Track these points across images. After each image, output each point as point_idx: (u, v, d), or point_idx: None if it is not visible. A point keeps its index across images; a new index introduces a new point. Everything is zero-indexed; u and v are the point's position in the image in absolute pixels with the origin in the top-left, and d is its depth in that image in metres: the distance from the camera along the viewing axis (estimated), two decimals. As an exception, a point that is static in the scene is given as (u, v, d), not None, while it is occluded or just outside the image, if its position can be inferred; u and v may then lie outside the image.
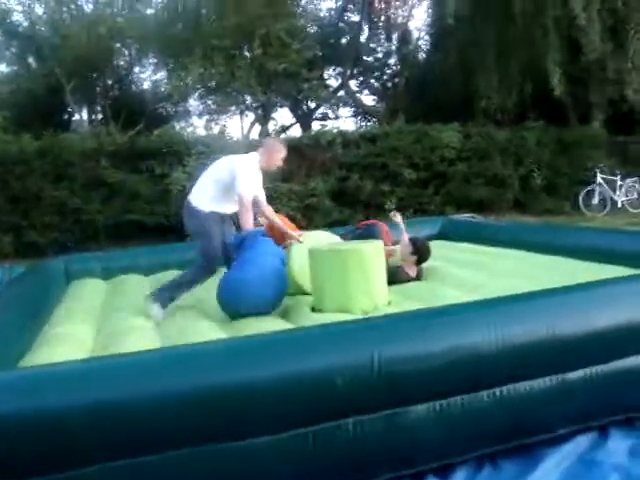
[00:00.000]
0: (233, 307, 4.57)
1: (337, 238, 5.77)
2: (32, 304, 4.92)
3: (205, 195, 5.00)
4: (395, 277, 5.20)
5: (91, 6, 16.63)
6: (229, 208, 5.11)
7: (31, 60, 17.23)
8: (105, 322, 4.79)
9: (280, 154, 5.26)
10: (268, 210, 5.29)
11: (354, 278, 4.36)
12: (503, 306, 3.19)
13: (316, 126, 19.24)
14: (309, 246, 4.78)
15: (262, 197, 5.22)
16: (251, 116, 18.18)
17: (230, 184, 4.94)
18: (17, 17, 16.51)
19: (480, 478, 2.93)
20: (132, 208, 11.56)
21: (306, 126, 18.69)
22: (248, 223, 4.95)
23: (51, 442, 2.41)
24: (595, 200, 13.18)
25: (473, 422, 2.95)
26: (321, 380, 2.66)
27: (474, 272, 5.63)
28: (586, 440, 3.16)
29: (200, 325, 4.42)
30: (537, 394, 3.06)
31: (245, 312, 4.47)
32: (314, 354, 2.73)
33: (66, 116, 17.83)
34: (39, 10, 16.29)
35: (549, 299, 3.28)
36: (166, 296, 4.92)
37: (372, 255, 4.47)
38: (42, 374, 2.66)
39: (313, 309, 4.56)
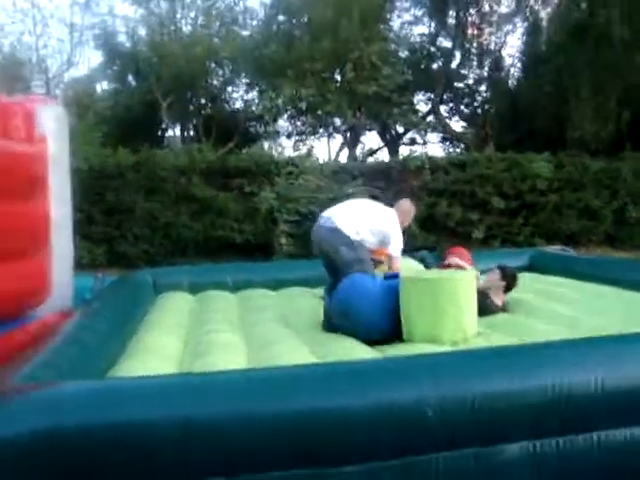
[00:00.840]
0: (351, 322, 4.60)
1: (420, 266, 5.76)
2: (121, 314, 5.05)
3: (354, 226, 5.19)
4: (483, 307, 5.07)
5: (189, 27, 17.19)
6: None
7: (130, 78, 17.91)
8: (192, 336, 4.87)
9: (411, 215, 5.86)
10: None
11: (445, 308, 4.29)
12: (605, 347, 3.07)
13: (404, 150, 19.25)
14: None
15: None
16: (338, 138, 18.34)
17: (382, 235, 5.34)
18: (121, 38, 17.25)
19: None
20: (220, 225, 11.79)
21: (394, 150, 18.68)
22: None
23: (135, 456, 2.43)
24: (693, 236, 12.60)
25: (567, 466, 2.84)
26: (412, 411, 2.62)
27: (565, 307, 5.46)
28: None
29: (288, 344, 4.44)
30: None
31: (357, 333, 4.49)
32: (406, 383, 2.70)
33: (160, 132, 18.43)
34: (142, 31, 16.95)
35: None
36: None
37: (464, 285, 4.39)
38: (131, 387, 2.71)
39: (401, 338, 4.51)
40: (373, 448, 2.62)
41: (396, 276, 4.86)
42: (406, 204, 5.97)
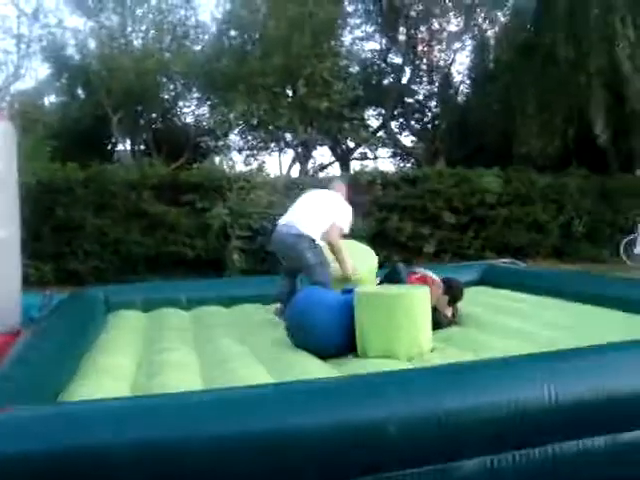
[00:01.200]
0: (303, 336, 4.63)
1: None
2: (72, 334, 4.95)
3: (316, 226, 5.30)
4: (435, 320, 5.11)
5: (140, 41, 17.03)
6: None
7: (80, 91, 17.63)
8: (146, 356, 4.80)
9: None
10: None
11: (401, 323, 4.32)
12: (559, 361, 3.13)
13: (355, 165, 19.38)
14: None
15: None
16: (290, 153, 18.36)
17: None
18: (69, 51, 16.97)
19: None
20: (172, 240, 11.67)
21: (345, 165, 18.80)
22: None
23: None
24: (637, 249, 12.96)
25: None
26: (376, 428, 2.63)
27: (517, 320, 5.55)
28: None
29: (243, 362, 4.41)
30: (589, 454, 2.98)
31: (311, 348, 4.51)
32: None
33: (110, 146, 18.18)
34: (91, 44, 16.72)
35: (604, 356, 3.22)
36: None
37: (420, 301, 4.43)
38: (84, 411, 2.66)
39: (356, 353, 4.52)
40: (334, 467, 2.62)
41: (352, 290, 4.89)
42: (339, 185, 6.12)
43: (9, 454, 2.33)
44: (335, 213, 5.45)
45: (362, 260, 5.97)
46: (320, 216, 5.35)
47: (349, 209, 5.65)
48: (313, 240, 5.23)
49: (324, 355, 4.51)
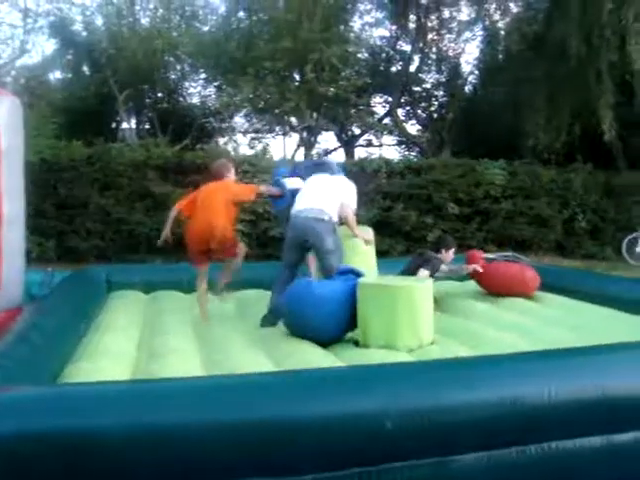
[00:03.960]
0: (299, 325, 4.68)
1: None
2: (73, 313, 4.97)
3: (335, 210, 5.42)
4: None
5: (148, 20, 16.92)
6: None
7: (85, 69, 17.53)
8: (146, 338, 4.81)
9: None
10: None
11: (402, 315, 4.32)
12: (560, 360, 3.13)
13: (359, 152, 19.29)
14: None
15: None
16: (294, 137, 18.27)
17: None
18: (76, 27, 16.85)
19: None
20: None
21: (349, 151, 18.72)
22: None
23: (89, 462, 2.39)
24: (639, 248, 12.92)
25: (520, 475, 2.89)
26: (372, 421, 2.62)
27: (518, 316, 5.55)
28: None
29: (241, 348, 4.41)
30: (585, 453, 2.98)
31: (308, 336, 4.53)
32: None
33: (115, 125, 18.10)
34: (99, 21, 16.61)
35: (605, 356, 3.22)
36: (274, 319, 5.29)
37: (421, 293, 4.43)
38: (84, 392, 2.66)
39: (357, 342, 4.53)
40: (330, 458, 2.62)
41: (348, 271, 4.90)
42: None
43: (6, 434, 2.33)
44: (344, 194, 5.60)
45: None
46: (335, 199, 5.45)
47: (354, 188, 5.86)
48: (334, 225, 5.35)
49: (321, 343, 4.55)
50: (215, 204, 5.70)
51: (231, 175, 6.31)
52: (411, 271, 5.90)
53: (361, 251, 5.76)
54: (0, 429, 2.34)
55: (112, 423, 2.42)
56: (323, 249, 5.23)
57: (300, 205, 5.45)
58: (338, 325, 4.65)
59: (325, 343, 4.58)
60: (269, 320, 5.24)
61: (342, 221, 5.58)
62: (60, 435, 2.38)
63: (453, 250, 6.41)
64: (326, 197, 5.43)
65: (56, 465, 2.35)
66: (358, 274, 4.93)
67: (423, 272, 5.81)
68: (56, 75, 18.62)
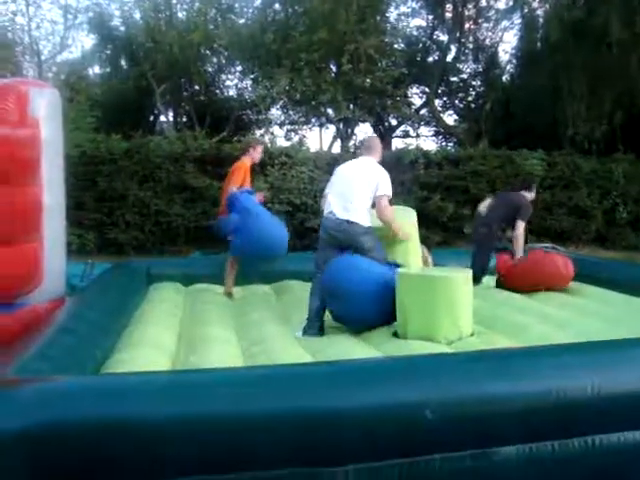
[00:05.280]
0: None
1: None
2: (116, 303, 5.03)
3: (365, 207, 5.14)
4: None
5: (185, 13, 17.03)
6: None
7: (123, 63, 17.72)
8: (186, 329, 4.84)
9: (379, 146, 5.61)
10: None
11: (441, 306, 4.28)
12: (603, 352, 3.07)
13: (396, 143, 19.18)
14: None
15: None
16: (331, 129, 18.25)
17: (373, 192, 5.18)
18: (115, 22, 17.05)
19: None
20: (213, 214, 11.69)
21: (386, 143, 18.63)
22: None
23: (135, 452, 2.41)
24: (681, 239, 12.64)
25: (562, 469, 2.84)
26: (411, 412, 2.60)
27: (557, 309, 5.48)
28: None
29: (282, 342, 4.42)
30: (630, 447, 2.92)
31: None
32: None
33: (152, 118, 18.28)
34: (136, 16, 16.77)
35: None
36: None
37: (461, 284, 4.38)
38: (129, 382, 2.68)
39: (396, 333, 4.50)
40: (371, 449, 2.60)
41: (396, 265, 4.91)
42: (376, 140, 5.76)
43: (50, 423, 2.36)
44: (376, 183, 5.16)
45: (404, 218, 5.76)
46: (365, 194, 5.12)
47: (385, 172, 5.28)
48: (363, 225, 5.08)
49: (358, 325, 4.55)
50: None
51: (254, 153, 6.62)
52: (500, 219, 6.31)
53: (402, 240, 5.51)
54: (46, 418, 2.37)
55: (153, 413, 2.43)
56: (361, 249, 5.07)
57: (329, 205, 5.23)
58: (380, 309, 4.65)
59: (362, 327, 4.61)
60: (310, 330, 4.96)
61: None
62: (103, 425, 2.40)
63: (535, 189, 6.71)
64: (354, 194, 5.13)
65: (99, 454, 2.37)
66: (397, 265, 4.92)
67: (520, 224, 6.08)
68: (95, 70, 18.92)
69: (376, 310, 4.68)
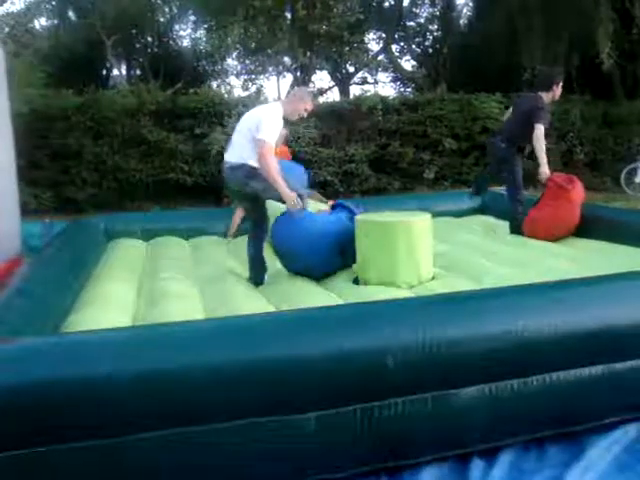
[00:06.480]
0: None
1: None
2: (73, 262, 4.96)
3: (251, 152, 4.67)
4: None
5: (133, -39, 16.49)
6: None
7: (71, 14, 17.18)
8: (146, 284, 4.81)
9: (305, 105, 4.92)
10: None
11: (401, 250, 4.30)
12: (558, 291, 3.12)
13: (354, 90, 19.05)
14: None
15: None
16: (288, 77, 18.04)
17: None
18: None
19: (526, 462, 2.89)
20: (170, 168, 11.55)
21: (344, 90, 18.49)
22: (274, 167, 4.61)
23: (95, 410, 2.39)
24: (638, 179, 12.83)
25: (522, 407, 2.91)
26: (372, 359, 2.63)
27: (520, 250, 5.53)
28: (635, 430, 3.10)
29: (239, 292, 4.42)
30: (587, 382, 3.00)
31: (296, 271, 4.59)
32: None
33: (105, 71, 17.84)
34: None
35: (602, 286, 3.21)
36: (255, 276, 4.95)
37: (420, 228, 4.40)
38: (86, 341, 2.65)
39: (356, 279, 4.53)
40: (336, 395, 2.64)
41: (337, 206, 4.92)
42: (299, 91, 5.18)
43: (10, 385, 2.33)
44: (260, 128, 4.61)
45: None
46: (250, 138, 4.67)
47: (276, 119, 4.71)
48: (250, 167, 4.67)
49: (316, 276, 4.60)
50: None
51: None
52: (519, 124, 5.86)
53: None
54: (4, 381, 2.34)
55: (114, 370, 2.42)
56: (255, 192, 4.77)
57: (224, 160, 4.92)
58: (329, 258, 4.70)
59: (317, 277, 4.66)
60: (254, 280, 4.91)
61: None
62: (64, 385, 2.38)
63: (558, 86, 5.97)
64: (241, 139, 4.76)
65: (60, 415, 2.36)
66: (352, 211, 4.93)
67: (539, 128, 5.67)
68: (42, 22, 18.25)
69: (328, 259, 4.73)
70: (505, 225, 6.42)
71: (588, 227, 5.88)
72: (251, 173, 4.67)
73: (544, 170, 6.01)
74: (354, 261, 4.66)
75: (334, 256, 4.72)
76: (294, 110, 4.89)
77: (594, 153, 13.40)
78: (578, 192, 6.02)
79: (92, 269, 5.21)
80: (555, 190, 6.03)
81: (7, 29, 16.50)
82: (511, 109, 6.60)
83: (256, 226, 5.03)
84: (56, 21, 17.50)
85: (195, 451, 2.51)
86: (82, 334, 2.95)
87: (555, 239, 5.82)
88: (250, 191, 4.76)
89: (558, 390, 2.94)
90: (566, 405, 3.00)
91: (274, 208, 5.09)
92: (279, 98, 16.57)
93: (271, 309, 4.01)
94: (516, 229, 6.14)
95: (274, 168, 4.56)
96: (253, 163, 4.65)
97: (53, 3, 17.03)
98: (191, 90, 12.86)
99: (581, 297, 3.08)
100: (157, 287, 4.59)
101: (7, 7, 17.36)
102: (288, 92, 5.29)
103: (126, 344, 2.58)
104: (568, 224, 5.93)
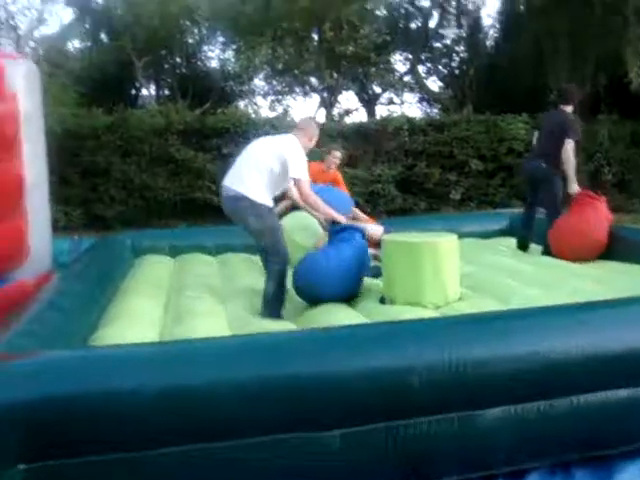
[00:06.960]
0: (311, 293, 4.62)
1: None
2: (100, 278, 5.01)
3: (259, 185, 4.50)
4: None
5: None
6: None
7: (103, 36, 17.50)
8: (173, 301, 4.84)
9: (316, 136, 4.86)
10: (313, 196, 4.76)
11: (427, 271, 4.30)
12: (585, 313, 3.10)
13: (380, 111, 19.11)
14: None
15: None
16: (315, 98, 18.17)
17: (281, 171, 4.55)
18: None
19: (552, 486, 2.86)
20: (198, 187, 11.66)
21: (370, 110, 18.56)
22: (321, 202, 4.70)
23: (121, 425, 2.41)
24: (667, 200, 12.70)
25: (548, 429, 2.88)
26: (397, 378, 2.63)
27: (546, 270, 5.48)
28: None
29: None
30: (614, 405, 2.97)
31: (323, 298, 4.51)
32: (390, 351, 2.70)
33: (133, 91, 18.10)
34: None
35: (628, 309, 3.18)
36: (270, 312, 4.50)
37: (446, 249, 4.39)
38: (116, 355, 2.68)
39: (382, 298, 4.53)
40: (361, 412, 2.63)
41: (343, 230, 4.87)
42: (307, 121, 5.05)
43: (37, 398, 2.36)
44: (290, 166, 4.51)
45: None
46: (258, 168, 4.52)
47: (301, 153, 4.60)
48: (253, 201, 4.47)
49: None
50: None
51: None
52: (551, 139, 5.78)
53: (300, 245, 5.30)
54: (32, 394, 2.37)
55: (139, 385, 2.44)
56: (249, 230, 4.61)
57: (224, 186, 4.69)
58: (352, 288, 4.70)
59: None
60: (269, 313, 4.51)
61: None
62: (88, 398, 2.40)
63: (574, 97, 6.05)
64: (248, 173, 4.52)
65: (83, 429, 2.38)
66: (356, 229, 4.91)
67: (569, 143, 5.59)
68: (75, 44, 18.63)
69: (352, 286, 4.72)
70: (536, 247, 6.38)
71: (615, 249, 5.79)
72: (251, 209, 4.48)
73: (573, 187, 5.93)
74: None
75: (358, 284, 4.78)
76: (309, 142, 4.80)
77: (622, 173, 13.27)
78: (604, 205, 5.94)
79: (119, 284, 5.26)
80: (581, 198, 5.99)
81: (42, 51, 16.85)
82: (537, 132, 6.56)
83: (269, 255, 4.63)
84: (89, 43, 17.84)
85: (217, 467, 2.52)
86: (108, 348, 2.98)
87: (580, 254, 5.74)
88: (249, 228, 4.61)
89: (585, 413, 2.91)
90: (593, 428, 2.96)
91: (293, 244, 5.06)
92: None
93: (296, 327, 4.02)
94: (549, 250, 6.04)
95: (321, 203, 4.71)
96: (254, 196, 4.46)
97: (86, 26, 17.35)
98: (219, 110, 13.02)
99: (607, 319, 3.06)
100: (183, 304, 4.61)
101: (42, 30, 17.78)
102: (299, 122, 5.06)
103: (151, 360, 2.61)
104: (592, 233, 5.79)
